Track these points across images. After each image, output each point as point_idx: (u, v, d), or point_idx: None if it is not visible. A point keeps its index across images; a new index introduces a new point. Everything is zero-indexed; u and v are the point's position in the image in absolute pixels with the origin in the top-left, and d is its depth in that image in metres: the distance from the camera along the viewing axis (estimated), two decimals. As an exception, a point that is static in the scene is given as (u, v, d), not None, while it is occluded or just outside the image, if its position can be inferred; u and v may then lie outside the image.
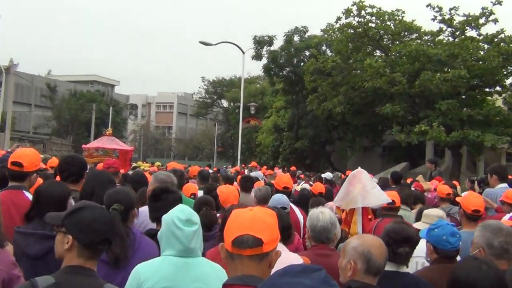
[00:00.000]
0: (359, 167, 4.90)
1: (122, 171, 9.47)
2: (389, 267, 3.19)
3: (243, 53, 29.29)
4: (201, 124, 78.43)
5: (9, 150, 13.83)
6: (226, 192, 5.51)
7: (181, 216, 2.87)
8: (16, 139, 44.10)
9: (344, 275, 2.84)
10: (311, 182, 13.28)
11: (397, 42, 26.96)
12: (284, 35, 34.29)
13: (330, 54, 31.43)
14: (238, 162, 29.66)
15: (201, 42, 27.64)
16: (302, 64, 32.88)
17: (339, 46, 27.36)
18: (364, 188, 4.41)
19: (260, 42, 34.05)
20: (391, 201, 5.30)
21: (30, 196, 3.89)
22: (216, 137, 62.55)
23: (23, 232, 3.36)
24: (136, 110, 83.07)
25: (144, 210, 4.21)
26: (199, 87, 71.85)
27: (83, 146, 23.35)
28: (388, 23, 26.75)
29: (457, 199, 6.44)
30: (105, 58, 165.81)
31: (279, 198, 5.58)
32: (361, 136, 30.56)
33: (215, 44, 28.35)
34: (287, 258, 3.15)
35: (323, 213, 4.05)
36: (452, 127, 22.12)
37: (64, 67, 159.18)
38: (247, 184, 7.66)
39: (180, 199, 3.90)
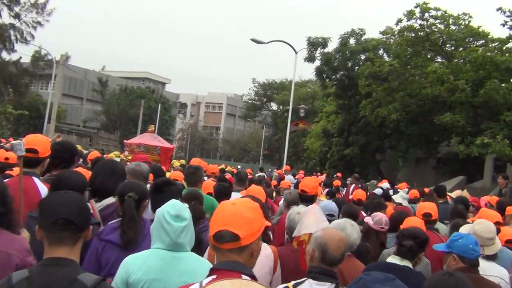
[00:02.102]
0: (313, 207, 4.23)
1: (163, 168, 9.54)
2: (392, 260, 3.94)
3: (296, 53, 28.14)
4: (248, 126, 78.36)
5: (50, 140, 13.66)
6: (253, 193, 5.17)
7: (171, 211, 2.95)
8: (64, 132, 44.53)
9: (307, 260, 3.13)
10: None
11: (461, 49, 25.35)
12: (340, 37, 33.04)
13: (387, 58, 29.97)
14: (284, 165, 28.55)
15: (252, 40, 26.67)
16: (356, 68, 31.68)
17: (398, 50, 25.94)
18: (316, 220, 3.97)
19: (314, 44, 32.92)
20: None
21: (38, 182, 4.01)
22: (263, 140, 62.12)
23: (35, 217, 3.19)
24: (186, 109, 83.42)
25: None
26: (249, 89, 71.51)
27: (125, 141, 23.09)
28: (453, 27, 25.17)
29: None
30: (158, 58, 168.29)
31: (327, 205, 5.41)
32: (415, 146, 28.89)
33: (267, 43, 27.34)
34: None
35: (300, 215, 4.07)
36: (517, 141, 20.38)
37: (118, 64, 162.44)
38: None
39: (181, 192, 4.14)
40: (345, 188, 15.92)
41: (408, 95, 25.63)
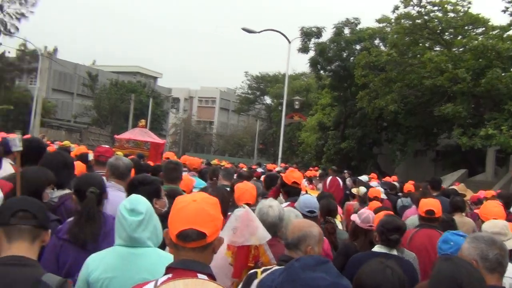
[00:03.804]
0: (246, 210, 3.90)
1: (151, 163, 9.79)
2: (382, 250, 4.32)
3: (289, 42, 27.18)
4: (242, 121, 77.95)
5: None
6: (243, 189, 4.77)
7: (127, 205, 2.93)
8: (54, 127, 43.66)
9: None
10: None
11: (460, 37, 24.51)
12: (334, 27, 31.96)
13: (383, 48, 29.07)
14: (279, 160, 27.75)
15: (244, 29, 25.70)
16: (352, 58, 30.65)
17: (395, 39, 25.06)
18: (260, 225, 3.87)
19: (308, 34, 31.82)
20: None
21: None
22: (257, 134, 61.37)
23: None
24: (178, 103, 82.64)
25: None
26: (242, 82, 70.64)
27: (115, 136, 22.56)
28: (451, 14, 24.28)
29: None
30: (150, 52, 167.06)
31: (307, 200, 4.96)
32: (414, 138, 28.10)
33: (259, 32, 26.33)
34: None
35: (272, 208, 3.96)
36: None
37: (109, 59, 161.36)
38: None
39: (159, 190, 3.96)
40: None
41: (406, 86, 24.89)
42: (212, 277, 2.12)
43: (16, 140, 3.84)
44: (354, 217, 5.24)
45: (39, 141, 5.05)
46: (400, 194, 11.27)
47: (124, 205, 2.95)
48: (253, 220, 3.55)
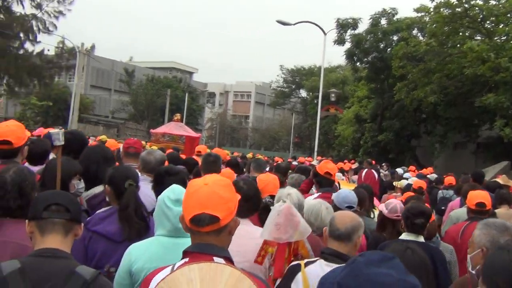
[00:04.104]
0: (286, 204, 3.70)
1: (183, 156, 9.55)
2: (408, 237, 4.16)
3: (325, 34, 26.83)
4: (278, 114, 77.65)
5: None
6: (265, 180, 4.63)
7: (171, 196, 2.92)
8: (92, 123, 44.42)
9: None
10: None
11: (502, 25, 23.72)
12: (370, 18, 31.54)
13: (422, 38, 28.43)
14: (315, 153, 27.52)
15: (278, 22, 25.49)
16: (389, 49, 30.19)
17: (434, 28, 24.41)
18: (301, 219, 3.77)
19: (344, 26, 31.49)
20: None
21: None
22: (293, 128, 61.26)
23: None
24: (214, 98, 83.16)
25: None
26: (277, 75, 70.36)
27: (151, 130, 23.02)
28: (493, 2, 23.53)
29: None
30: (185, 48, 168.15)
31: (346, 196, 4.83)
32: (453, 130, 27.42)
33: (294, 24, 26.12)
34: (248, 231, 3.37)
35: (290, 196, 3.94)
36: None
37: (145, 55, 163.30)
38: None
39: (185, 180, 3.82)
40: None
41: (446, 76, 24.24)
42: (229, 260, 2.09)
43: (59, 134, 3.83)
44: (381, 207, 5.17)
45: (81, 135, 5.06)
46: (439, 186, 11.30)
47: (168, 195, 2.92)
48: (295, 215, 3.48)
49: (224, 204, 2.09)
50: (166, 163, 5.11)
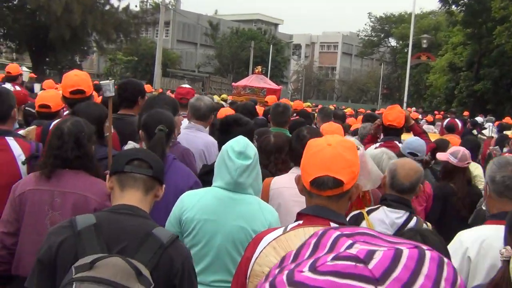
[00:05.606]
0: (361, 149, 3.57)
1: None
2: None
3: (416, -25, 25.21)
4: (366, 65, 76.24)
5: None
6: (329, 130, 4.61)
7: (235, 147, 2.80)
8: (178, 77, 45.09)
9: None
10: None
11: None
12: (468, -45, 29.37)
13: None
14: (405, 105, 26.41)
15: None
16: (488, -11, 28.18)
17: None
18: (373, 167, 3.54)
19: (438, -35, 29.56)
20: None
21: None
22: (381, 78, 59.67)
23: None
24: (300, 50, 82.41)
25: None
26: (365, 24, 68.26)
27: (233, 84, 23.25)
28: None
29: None
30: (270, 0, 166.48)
31: (412, 142, 4.74)
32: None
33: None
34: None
35: (387, 155, 4.00)
36: None
37: (230, 8, 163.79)
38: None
39: (252, 132, 3.75)
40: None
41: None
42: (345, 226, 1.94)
43: (110, 85, 3.69)
44: (444, 156, 4.93)
45: (135, 83, 4.83)
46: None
47: (232, 146, 2.79)
48: (367, 162, 3.25)
49: (349, 168, 1.97)
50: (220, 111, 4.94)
